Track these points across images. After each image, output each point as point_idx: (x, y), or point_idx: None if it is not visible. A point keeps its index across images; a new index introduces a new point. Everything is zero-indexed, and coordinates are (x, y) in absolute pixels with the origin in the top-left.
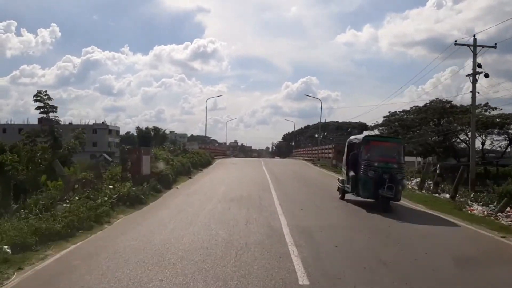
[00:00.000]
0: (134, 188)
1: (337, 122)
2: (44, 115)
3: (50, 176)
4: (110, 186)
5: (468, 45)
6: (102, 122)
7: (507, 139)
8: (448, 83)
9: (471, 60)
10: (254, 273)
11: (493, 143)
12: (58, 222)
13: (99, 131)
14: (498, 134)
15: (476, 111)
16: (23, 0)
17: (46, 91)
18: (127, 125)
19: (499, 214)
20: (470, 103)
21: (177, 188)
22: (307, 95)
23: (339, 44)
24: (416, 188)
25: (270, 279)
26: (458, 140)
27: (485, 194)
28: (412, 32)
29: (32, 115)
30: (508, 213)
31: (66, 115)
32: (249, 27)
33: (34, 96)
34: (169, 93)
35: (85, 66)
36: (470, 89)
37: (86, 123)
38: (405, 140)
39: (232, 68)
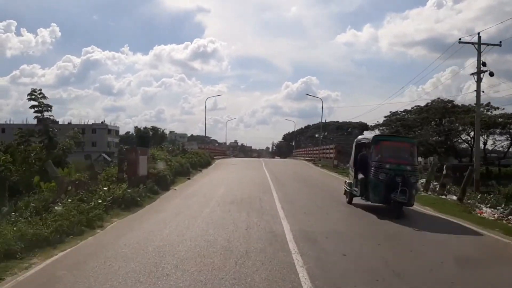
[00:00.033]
0: (129, 190)
1: (337, 122)
2: (39, 114)
3: (43, 177)
4: (105, 188)
5: (473, 43)
6: (102, 122)
7: (510, 139)
8: (448, 83)
9: (472, 60)
10: (256, 286)
11: (495, 143)
12: (46, 227)
13: (99, 131)
14: (500, 134)
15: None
16: (23, 0)
17: (40, 90)
18: (127, 125)
19: (511, 217)
20: (471, 102)
21: (175, 189)
22: (308, 95)
23: (339, 44)
24: (422, 189)
25: None
26: (459, 140)
27: (491, 195)
28: (412, 32)
29: (32, 115)
30: None
31: (66, 115)
32: (249, 27)
33: (28, 94)
34: (169, 93)
35: (85, 66)
36: (471, 89)
37: (86, 123)
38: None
39: (232, 68)
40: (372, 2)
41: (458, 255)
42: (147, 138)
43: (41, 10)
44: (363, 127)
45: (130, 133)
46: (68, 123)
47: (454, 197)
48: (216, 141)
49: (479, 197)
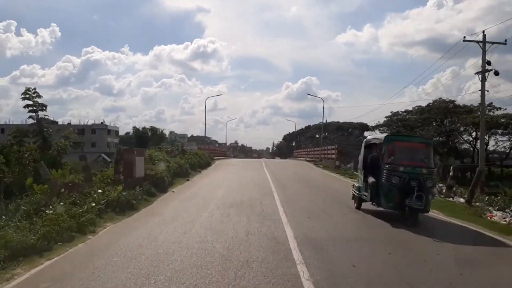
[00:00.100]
0: (125, 193)
1: (337, 122)
2: (33, 114)
3: (37, 179)
4: (100, 190)
5: (477, 42)
6: (101, 123)
7: None
8: (448, 84)
9: (473, 60)
10: None
11: (497, 143)
12: (34, 233)
13: (98, 131)
14: (502, 134)
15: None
16: (23, 0)
17: (35, 88)
18: (127, 126)
19: None
20: (473, 103)
21: (173, 191)
22: (309, 94)
23: (339, 44)
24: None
25: None
26: (461, 141)
27: (499, 197)
28: (412, 32)
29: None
30: None
31: (66, 116)
32: (249, 27)
33: (22, 93)
34: (169, 93)
35: (85, 66)
36: (471, 89)
37: (85, 124)
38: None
39: (232, 68)
40: (372, 2)
41: (477, 265)
42: (146, 138)
43: (41, 10)
44: (363, 127)
45: (130, 134)
46: (68, 123)
47: (462, 200)
48: (216, 141)
49: (486, 199)
